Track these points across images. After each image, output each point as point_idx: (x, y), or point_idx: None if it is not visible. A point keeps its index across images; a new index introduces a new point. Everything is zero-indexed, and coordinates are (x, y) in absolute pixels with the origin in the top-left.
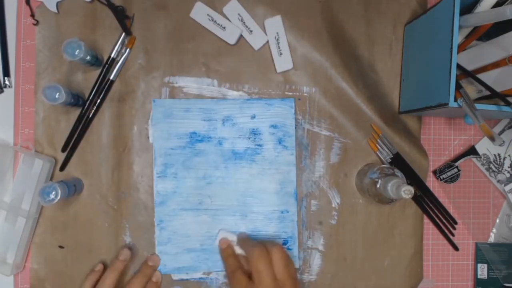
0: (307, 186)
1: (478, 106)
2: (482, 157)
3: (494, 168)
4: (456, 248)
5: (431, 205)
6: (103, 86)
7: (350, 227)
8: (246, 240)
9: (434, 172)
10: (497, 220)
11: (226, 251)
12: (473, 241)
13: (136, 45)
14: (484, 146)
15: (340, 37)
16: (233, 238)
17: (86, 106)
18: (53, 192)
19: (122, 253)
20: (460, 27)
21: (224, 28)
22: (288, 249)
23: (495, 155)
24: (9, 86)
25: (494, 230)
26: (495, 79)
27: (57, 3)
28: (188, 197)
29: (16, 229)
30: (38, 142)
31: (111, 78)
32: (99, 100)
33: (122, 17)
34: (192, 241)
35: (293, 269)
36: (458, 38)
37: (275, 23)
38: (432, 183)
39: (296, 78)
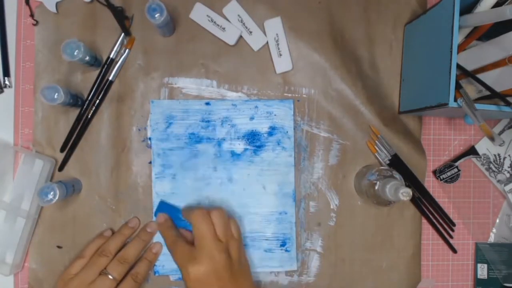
0: (306, 188)
1: (478, 106)
2: (482, 157)
3: (494, 168)
4: (454, 250)
5: (429, 207)
6: (102, 87)
7: (348, 228)
8: (187, 208)
9: (434, 172)
10: (497, 220)
11: (164, 225)
12: (473, 241)
13: (135, 45)
14: (484, 146)
15: (340, 37)
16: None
17: (85, 107)
18: (52, 193)
19: (131, 221)
20: (460, 27)
21: (224, 29)
22: (286, 250)
23: (495, 155)
24: (9, 86)
25: (494, 230)
26: (495, 79)
27: (57, 3)
28: (187, 198)
29: (16, 229)
30: (37, 142)
31: (110, 78)
32: (98, 101)
33: (122, 18)
34: None
35: (237, 230)
36: (458, 38)
37: (274, 24)
38: (432, 183)
39: (295, 79)
